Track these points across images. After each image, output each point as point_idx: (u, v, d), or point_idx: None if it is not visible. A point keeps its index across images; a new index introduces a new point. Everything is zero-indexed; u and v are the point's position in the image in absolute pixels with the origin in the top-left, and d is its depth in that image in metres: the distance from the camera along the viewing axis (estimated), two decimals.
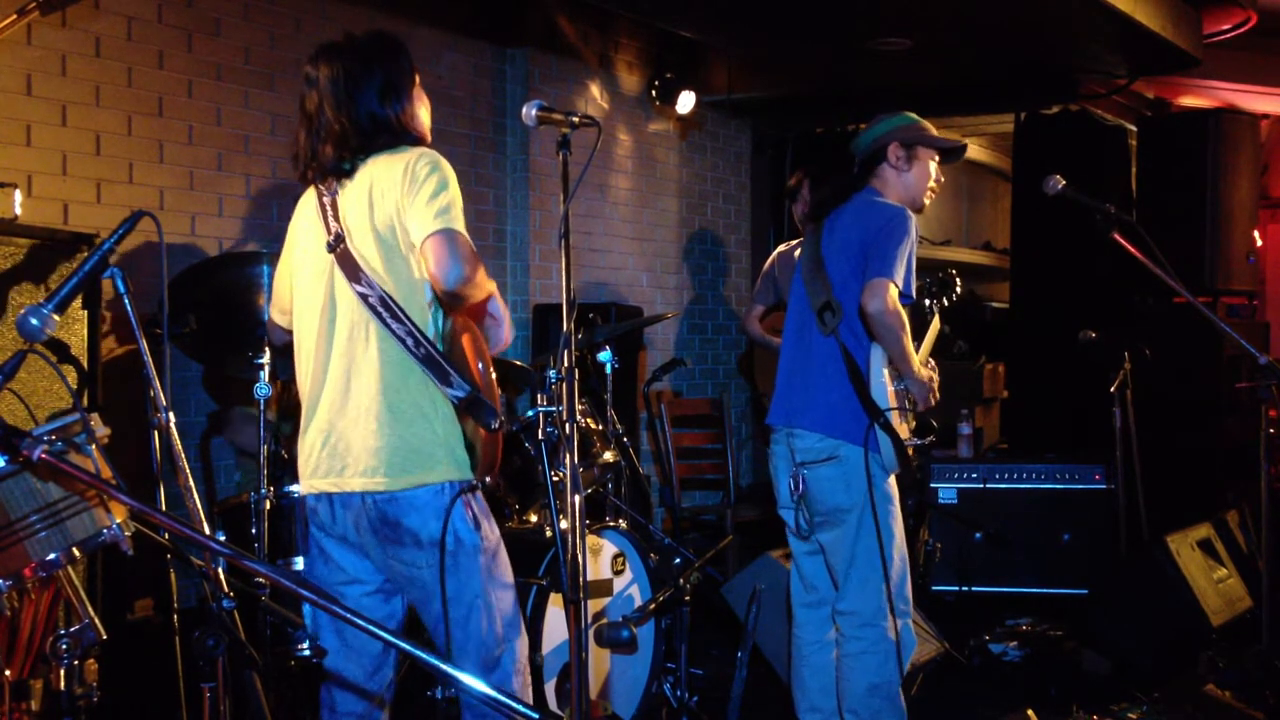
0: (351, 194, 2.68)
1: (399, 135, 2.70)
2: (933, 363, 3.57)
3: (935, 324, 3.65)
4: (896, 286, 3.33)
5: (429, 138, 2.80)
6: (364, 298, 2.62)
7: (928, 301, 3.76)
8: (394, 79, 2.72)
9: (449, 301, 2.63)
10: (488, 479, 2.73)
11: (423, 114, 2.80)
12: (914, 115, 3.63)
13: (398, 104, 2.71)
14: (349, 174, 2.68)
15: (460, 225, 2.57)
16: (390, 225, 2.61)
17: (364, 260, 2.63)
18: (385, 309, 2.61)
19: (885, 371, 3.40)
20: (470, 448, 2.68)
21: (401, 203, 2.59)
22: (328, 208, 2.71)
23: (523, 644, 2.80)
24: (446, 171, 2.62)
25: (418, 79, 2.80)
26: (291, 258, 2.86)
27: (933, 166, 3.63)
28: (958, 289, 3.83)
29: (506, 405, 4.88)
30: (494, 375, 2.69)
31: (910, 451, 3.43)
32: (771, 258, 5.30)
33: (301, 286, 2.80)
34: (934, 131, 3.63)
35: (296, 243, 2.84)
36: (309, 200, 2.81)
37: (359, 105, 2.67)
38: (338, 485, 2.68)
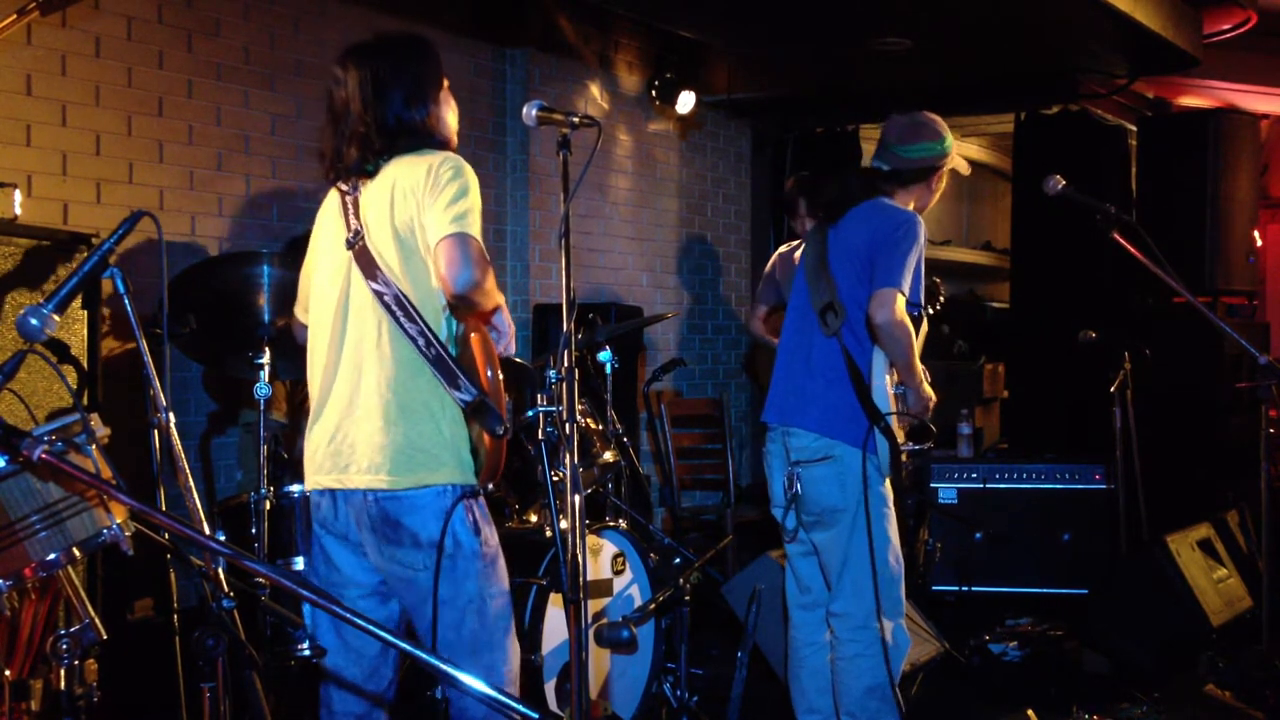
0: (373, 192, 2.69)
1: (423, 138, 2.70)
2: (927, 372, 3.56)
3: (925, 325, 3.64)
4: (904, 296, 3.32)
5: (455, 142, 2.80)
6: (379, 295, 2.63)
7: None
8: (422, 82, 2.72)
9: (456, 305, 2.63)
10: (490, 485, 2.73)
11: (450, 118, 2.80)
12: (950, 135, 3.63)
13: (424, 107, 2.71)
14: (371, 174, 2.69)
15: (476, 231, 2.57)
16: (410, 225, 2.61)
17: (381, 258, 2.64)
18: (399, 308, 2.61)
19: (886, 375, 3.40)
20: (475, 452, 2.68)
21: (423, 204, 2.59)
22: (349, 205, 2.72)
23: (516, 652, 2.79)
24: (469, 177, 2.62)
25: (446, 84, 2.80)
26: (313, 256, 2.86)
27: (945, 178, 3.68)
28: (941, 297, 3.83)
29: (511, 408, 4.87)
30: (502, 381, 2.69)
31: (905, 456, 3.43)
32: (772, 259, 5.33)
33: (319, 283, 2.80)
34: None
35: (318, 241, 2.85)
36: (332, 199, 2.82)
37: (385, 107, 2.68)
38: (341, 482, 2.68)
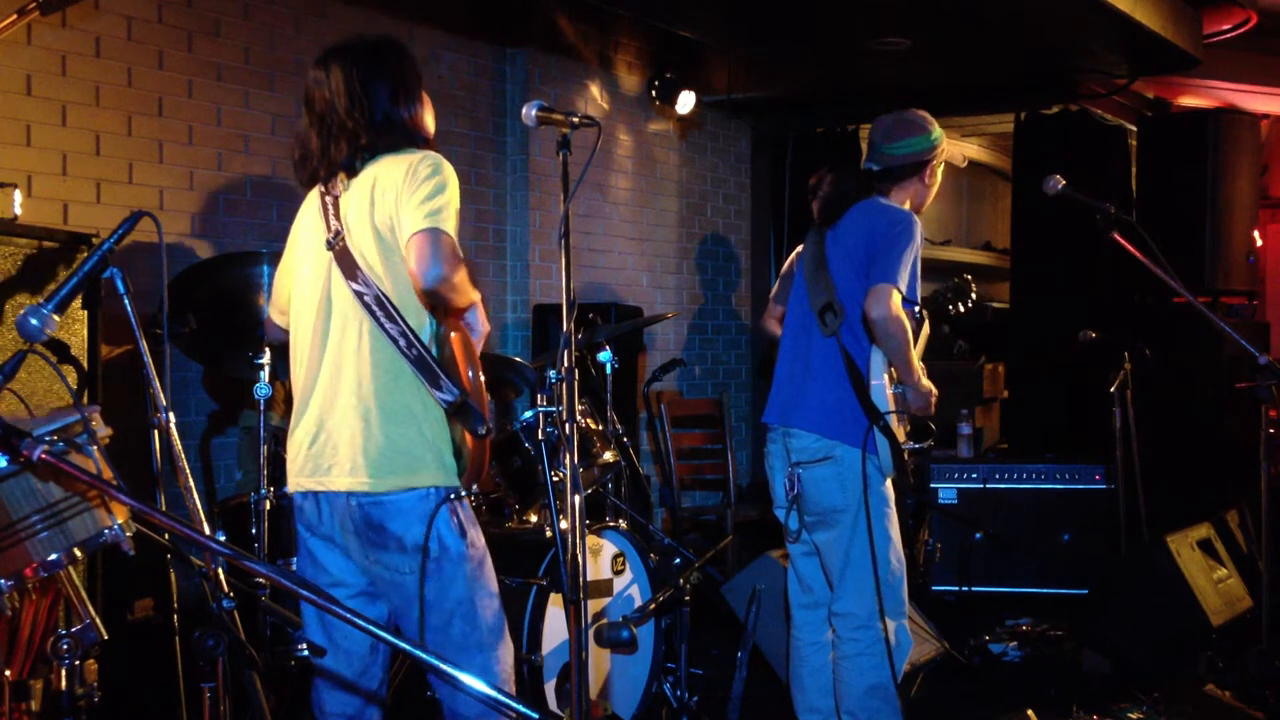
0: (354, 192, 2.68)
1: (409, 135, 2.71)
2: (923, 367, 3.56)
3: (925, 328, 3.64)
4: (900, 292, 3.32)
5: (433, 141, 2.80)
6: (359, 296, 2.62)
7: (947, 308, 3.72)
8: (405, 79, 2.73)
9: (429, 301, 2.63)
10: (475, 486, 2.72)
11: (429, 119, 2.81)
12: (939, 128, 3.64)
13: (410, 104, 2.72)
14: (357, 172, 2.68)
15: (449, 227, 2.56)
16: (389, 224, 2.61)
17: (362, 258, 2.63)
18: (380, 308, 2.60)
19: (885, 375, 3.40)
20: (458, 453, 2.67)
21: (400, 200, 2.59)
22: (329, 205, 2.71)
23: (508, 652, 2.77)
24: (448, 175, 2.62)
25: (422, 83, 2.81)
26: (292, 256, 2.86)
27: (939, 172, 3.68)
28: (973, 295, 3.79)
29: (506, 407, 4.87)
30: (484, 381, 2.68)
31: (907, 455, 3.43)
32: (790, 259, 5.34)
33: (300, 285, 2.80)
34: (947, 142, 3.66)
35: (297, 241, 2.85)
36: (312, 199, 2.82)
37: (372, 103, 2.68)
38: (323, 484, 2.67)
